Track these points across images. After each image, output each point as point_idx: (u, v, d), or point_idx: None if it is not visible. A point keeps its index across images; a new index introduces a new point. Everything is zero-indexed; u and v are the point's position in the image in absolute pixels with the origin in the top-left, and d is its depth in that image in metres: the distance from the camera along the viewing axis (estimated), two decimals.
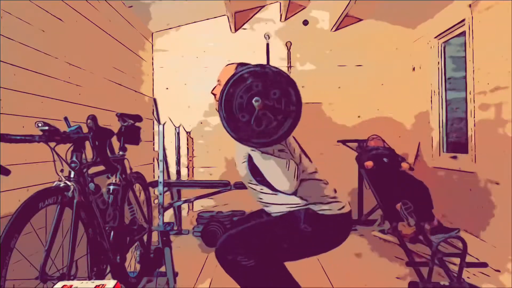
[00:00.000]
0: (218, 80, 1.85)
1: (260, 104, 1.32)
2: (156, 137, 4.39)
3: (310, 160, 1.83)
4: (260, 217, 1.91)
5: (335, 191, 1.81)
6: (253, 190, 1.82)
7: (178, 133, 4.27)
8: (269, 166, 1.57)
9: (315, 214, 1.68)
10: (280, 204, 1.74)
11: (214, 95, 1.83)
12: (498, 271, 2.66)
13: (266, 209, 1.82)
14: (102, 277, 1.78)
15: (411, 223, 2.74)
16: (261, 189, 1.76)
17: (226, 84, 1.36)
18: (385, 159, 3.60)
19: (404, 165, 3.56)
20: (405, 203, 2.61)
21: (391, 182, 3.36)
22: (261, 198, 1.80)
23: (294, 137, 1.83)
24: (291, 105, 1.35)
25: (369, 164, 3.44)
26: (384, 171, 3.53)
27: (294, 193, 1.69)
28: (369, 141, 4.05)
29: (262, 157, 1.56)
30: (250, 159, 1.69)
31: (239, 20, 4.50)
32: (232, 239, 1.68)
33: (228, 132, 1.38)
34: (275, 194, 1.72)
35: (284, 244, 1.69)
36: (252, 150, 1.58)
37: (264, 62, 3.96)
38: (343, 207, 1.75)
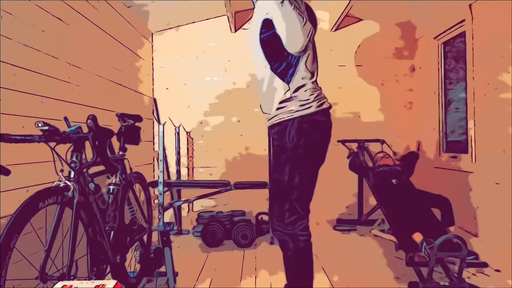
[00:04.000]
0: None
1: None
2: (156, 137, 4.38)
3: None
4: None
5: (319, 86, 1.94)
6: (260, 84, 1.87)
7: (178, 133, 4.27)
8: (288, 18, 1.62)
9: (301, 120, 1.76)
10: (277, 108, 1.81)
11: None
12: (498, 271, 2.67)
13: (265, 109, 1.90)
14: (102, 277, 1.78)
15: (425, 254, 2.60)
16: (270, 77, 1.81)
17: None
18: (394, 181, 3.21)
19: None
20: (430, 242, 2.44)
21: (405, 207, 2.93)
22: (264, 101, 1.87)
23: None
24: None
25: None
26: (395, 193, 3.15)
27: (290, 99, 1.78)
28: (377, 160, 3.89)
29: (284, 7, 1.62)
30: (265, 25, 1.75)
31: (239, 20, 4.50)
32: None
33: None
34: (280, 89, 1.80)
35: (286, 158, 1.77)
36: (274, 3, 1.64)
37: None
38: (323, 103, 1.87)
